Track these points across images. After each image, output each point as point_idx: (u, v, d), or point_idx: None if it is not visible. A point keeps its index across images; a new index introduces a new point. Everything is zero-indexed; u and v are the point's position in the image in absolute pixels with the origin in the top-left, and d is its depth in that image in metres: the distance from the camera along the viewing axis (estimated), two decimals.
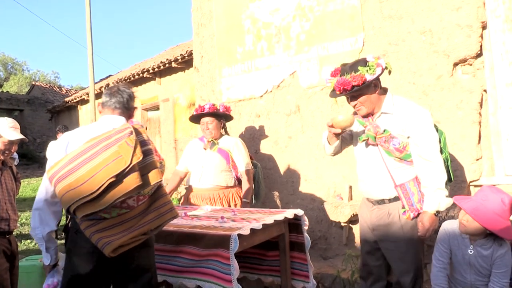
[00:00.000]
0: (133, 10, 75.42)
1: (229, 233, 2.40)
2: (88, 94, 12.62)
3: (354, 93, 2.41)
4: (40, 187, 2.10)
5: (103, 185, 1.81)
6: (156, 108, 11.16)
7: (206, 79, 4.98)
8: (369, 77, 2.36)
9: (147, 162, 1.96)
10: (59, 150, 2.05)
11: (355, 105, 2.48)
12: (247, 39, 4.55)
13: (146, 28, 73.38)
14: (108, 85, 12.60)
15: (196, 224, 2.75)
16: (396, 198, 2.45)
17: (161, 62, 10.15)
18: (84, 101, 14.31)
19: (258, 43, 4.47)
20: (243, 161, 3.68)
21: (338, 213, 3.78)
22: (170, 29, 70.35)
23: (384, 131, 2.43)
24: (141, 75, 10.96)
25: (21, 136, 2.90)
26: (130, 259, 2.08)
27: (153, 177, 1.95)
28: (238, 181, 3.73)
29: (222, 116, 3.78)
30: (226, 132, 3.92)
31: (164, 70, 10.38)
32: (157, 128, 11.28)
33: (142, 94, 11.59)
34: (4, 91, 21.54)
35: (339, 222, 3.83)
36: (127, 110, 2.23)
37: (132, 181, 1.86)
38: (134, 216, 1.98)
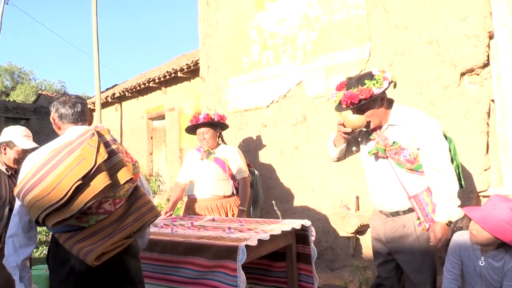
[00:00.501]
0: (139, 20, 76.15)
1: (236, 244, 2.39)
2: (94, 104, 12.68)
3: (361, 106, 2.39)
4: (13, 212, 1.98)
5: (70, 189, 1.73)
6: (161, 117, 11.19)
7: (212, 89, 5.00)
8: (376, 90, 2.34)
9: (114, 161, 1.90)
10: (25, 172, 1.93)
11: None
12: (254, 49, 4.57)
13: (152, 38, 74.07)
14: (113, 94, 12.68)
15: (203, 235, 2.74)
16: (411, 210, 2.43)
17: (167, 72, 10.20)
18: (90, 110, 14.36)
19: (264, 53, 4.49)
20: (240, 169, 3.68)
21: (345, 224, 3.75)
22: (176, 39, 70.95)
23: (394, 143, 2.41)
24: (146, 84, 11.01)
25: (35, 145, 2.90)
26: (115, 271, 1.99)
27: (122, 175, 1.87)
28: (236, 190, 3.71)
29: (217, 125, 3.79)
30: (222, 141, 3.93)
31: (170, 80, 10.43)
32: (163, 138, 11.31)
33: (148, 103, 11.65)
34: (11, 100, 21.72)
35: (346, 233, 3.81)
36: (88, 117, 2.16)
37: (100, 181, 1.79)
38: (114, 221, 1.91)
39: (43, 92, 22.59)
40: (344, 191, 4.02)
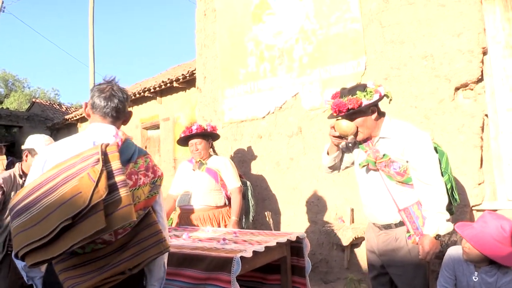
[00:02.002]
0: (135, 30, 76.47)
1: (231, 255, 2.37)
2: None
3: (349, 115, 2.42)
4: None
5: (55, 228, 1.49)
6: (156, 127, 11.18)
7: (208, 99, 5.01)
8: (365, 101, 2.38)
9: (114, 198, 1.59)
10: (35, 173, 1.73)
11: None
12: (250, 61, 4.60)
13: (147, 48, 74.31)
14: (129, 103, 12.65)
15: (197, 246, 2.72)
16: (402, 223, 2.43)
17: (162, 82, 10.21)
18: (84, 119, 14.31)
19: (261, 65, 4.52)
20: (232, 179, 3.69)
21: (340, 236, 3.75)
22: (172, 49, 71.20)
23: (384, 155, 2.43)
24: (142, 94, 11.00)
25: None
26: None
27: (120, 217, 1.57)
28: (229, 201, 3.71)
29: (210, 136, 3.80)
30: (214, 152, 3.94)
31: (165, 90, 10.44)
32: (157, 147, 11.28)
33: (143, 113, 11.63)
34: (4, 107, 21.60)
35: (341, 245, 3.80)
36: (123, 116, 1.93)
37: (92, 224, 1.51)
38: (111, 252, 1.67)
39: (37, 100, 22.48)
40: (339, 203, 4.03)
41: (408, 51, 3.60)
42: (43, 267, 1.76)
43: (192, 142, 3.74)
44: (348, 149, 2.69)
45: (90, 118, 1.91)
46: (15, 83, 30.49)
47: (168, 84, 10.01)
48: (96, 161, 1.61)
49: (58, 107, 22.02)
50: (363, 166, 2.51)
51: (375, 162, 2.44)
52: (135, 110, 11.99)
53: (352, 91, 2.43)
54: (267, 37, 4.47)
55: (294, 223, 4.31)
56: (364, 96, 2.38)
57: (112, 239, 1.66)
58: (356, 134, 2.47)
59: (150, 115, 11.34)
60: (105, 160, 1.64)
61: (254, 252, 2.52)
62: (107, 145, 1.72)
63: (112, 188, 1.60)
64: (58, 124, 16.19)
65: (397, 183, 2.42)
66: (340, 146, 2.58)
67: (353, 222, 3.85)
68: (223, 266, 2.36)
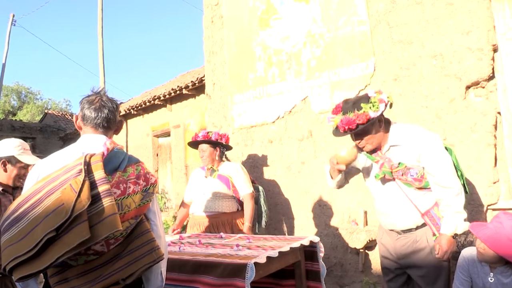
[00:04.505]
0: (144, 38, 77.27)
1: (245, 262, 2.37)
2: None
3: (358, 131, 2.40)
4: None
5: (40, 241, 1.49)
6: (167, 134, 11.24)
7: (218, 106, 5.03)
8: (373, 114, 2.35)
9: (98, 208, 1.57)
10: (28, 187, 1.71)
11: (359, 142, 2.47)
12: (258, 66, 4.61)
13: (156, 56, 74.96)
14: (119, 112, 12.76)
15: (211, 253, 2.72)
16: (423, 225, 2.44)
17: (172, 89, 10.27)
18: None
19: (269, 70, 4.52)
20: (243, 185, 3.71)
21: (353, 239, 3.72)
22: (180, 56, 71.75)
23: (399, 164, 2.41)
24: (152, 102, 11.09)
25: (37, 159, 2.62)
26: None
27: (106, 227, 1.55)
28: (241, 206, 3.73)
29: (217, 144, 3.81)
30: (226, 158, 3.96)
31: (175, 97, 10.50)
32: (168, 155, 11.34)
33: (153, 120, 11.71)
34: (18, 119, 21.95)
35: (355, 248, 3.77)
36: (114, 125, 1.93)
37: (75, 236, 1.50)
38: (104, 263, 1.66)
39: (49, 111, 22.82)
40: (352, 206, 4.00)
41: (417, 51, 3.57)
42: (41, 282, 1.77)
43: (200, 148, 3.83)
44: (352, 167, 2.69)
45: (81, 131, 1.92)
46: (27, 95, 31.00)
47: (178, 91, 10.07)
48: (78, 172, 1.61)
49: (70, 117, 22.31)
50: (380, 178, 2.48)
51: (392, 172, 2.42)
52: (146, 118, 12.08)
53: (356, 104, 2.39)
54: (274, 42, 4.48)
55: (307, 227, 4.29)
56: (370, 108, 2.35)
57: (105, 250, 1.65)
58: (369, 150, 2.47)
59: (161, 122, 11.40)
60: (88, 171, 1.64)
61: (268, 257, 2.52)
62: (92, 155, 1.72)
63: (96, 198, 1.59)
64: (71, 134, 16.38)
65: (415, 188, 2.41)
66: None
67: (366, 224, 3.82)
68: (237, 273, 2.36)
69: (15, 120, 20.34)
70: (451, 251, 2.30)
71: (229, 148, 3.99)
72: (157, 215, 1.89)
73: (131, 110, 12.14)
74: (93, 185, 1.61)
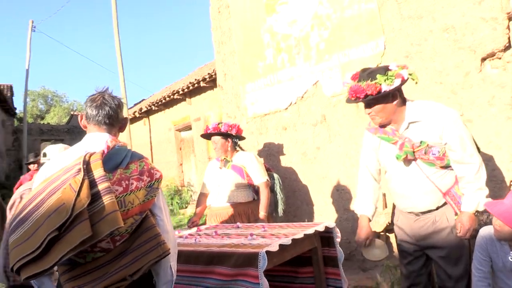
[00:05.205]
0: (162, 32, 77.91)
1: (257, 251, 2.36)
2: None
3: (367, 101, 2.33)
4: None
5: (44, 241, 1.51)
6: (188, 128, 11.33)
7: (230, 96, 5.01)
8: (385, 87, 2.26)
9: (99, 206, 1.59)
10: (35, 187, 1.75)
11: (370, 113, 2.40)
12: (268, 53, 4.56)
13: (176, 50, 75.48)
14: (141, 109, 12.94)
15: (225, 243, 2.73)
16: (444, 204, 2.37)
17: (190, 83, 10.32)
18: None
19: (278, 56, 4.47)
20: (258, 174, 3.69)
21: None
22: (199, 49, 72.00)
23: (421, 142, 2.31)
24: (171, 96, 11.18)
25: None
26: None
27: (107, 224, 1.57)
28: (257, 196, 3.73)
29: (228, 135, 3.80)
30: (240, 148, 3.94)
31: (194, 90, 10.55)
32: (191, 148, 11.44)
33: (174, 115, 11.82)
34: (45, 123, 22.59)
35: (375, 232, 3.71)
36: (117, 123, 1.93)
37: (77, 234, 1.52)
38: (112, 259, 1.67)
39: (75, 113, 23.39)
40: None
41: (428, 25, 3.44)
42: (56, 280, 1.79)
43: (212, 140, 3.84)
44: (375, 160, 2.63)
45: (86, 129, 1.93)
46: (53, 98, 31.86)
47: (196, 85, 10.11)
48: (77, 171, 1.63)
49: None
50: (402, 158, 2.37)
51: (414, 152, 2.33)
52: (167, 113, 12.20)
53: (371, 74, 2.31)
54: (282, 27, 4.41)
55: (326, 213, 4.25)
56: (385, 81, 2.27)
57: (111, 247, 1.67)
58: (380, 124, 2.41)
59: (181, 116, 11.50)
60: (88, 169, 1.65)
61: (281, 245, 2.50)
62: (91, 154, 1.74)
63: (96, 196, 1.60)
64: None
65: (436, 168, 2.32)
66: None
67: (386, 207, 3.75)
68: (250, 262, 2.35)
69: (43, 123, 20.95)
70: (473, 228, 2.23)
71: (241, 138, 3.98)
72: (163, 210, 1.88)
73: (152, 106, 12.28)
74: (92, 184, 1.62)
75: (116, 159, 1.77)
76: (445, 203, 2.35)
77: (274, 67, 4.51)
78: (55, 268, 1.76)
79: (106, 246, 1.66)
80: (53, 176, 1.68)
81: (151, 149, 13.28)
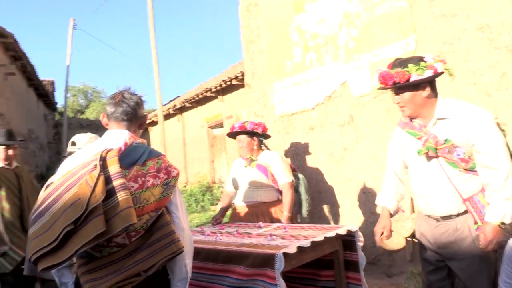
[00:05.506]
0: (198, 30, 78.88)
1: (274, 252, 2.34)
2: (157, 116, 13.25)
3: (395, 89, 2.26)
4: None
5: (60, 234, 1.55)
6: (220, 125, 11.43)
7: (258, 95, 5.00)
8: (414, 76, 2.17)
9: (114, 202, 1.62)
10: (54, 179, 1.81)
11: (398, 103, 2.32)
12: (296, 52, 4.51)
13: (210, 47, 76.22)
14: (174, 106, 13.15)
15: (245, 242, 2.72)
16: (465, 212, 2.23)
17: (222, 80, 10.40)
18: (154, 123, 15.04)
19: (306, 55, 4.41)
20: (282, 174, 3.64)
21: (399, 227, 3.55)
22: (235, 47, 72.43)
23: (446, 140, 2.20)
24: (204, 94, 11.31)
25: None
26: None
27: (121, 220, 1.59)
28: (281, 196, 3.69)
29: (254, 134, 3.78)
30: (266, 147, 3.91)
31: (226, 88, 10.62)
32: (223, 145, 11.53)
33: (207, 112, 11.94)
34: (85, 118, 23.37)
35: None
36: (136, 120, 1.96)
37: (91, 229, 1.56)
38: (127, 255, 1.70)
39: None
40: None
41: (462, 24, 3.30)
42: (74, 274, 1.84)
43: (237, 138, 3.82)
44: (399, 157, 2.55)
45: (108, 127, 1.97)
46: (93, 94, 32.93)
47: (228, 83, 10.18)
48: (94, 167, 1.66)
49: None
50: (423, 154, 2.28)
51: (436, 149, 2.23)
52: (200, 110, 12.35)
53: (404, 63, 2.23)
54: (310, 26, 4.35)
55: (352, 215, 4.17)
56: (416, 70, 2.18)
57: (126, 242, 1.69)
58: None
59: (214, 114, 11.61)
60: (104, 166, 1.69)
61: (300, 247, 2.47)
62: (108, 151, 1.77)
63: (111, 192, 1.63)
64: None
65: (460, 170, 2.21)
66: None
67: (413, 212, 3.63)
68: (267, 263, 2.34)
69: (82, 118, 21.66)
70: (497, 240, 2.09)
71: (267, 136, 3.96)
72: (180, 208, 1.89)
73: (186, 103, 12.47)
74: (108, 180, 1.65)
75: (133, 156, 1.80)
76: (466, 211, 2.22)
77: (302, 66, 4.46)
78: (74, 260, 1.84)
79: (122, 242, 1.68)
80: (72, 171, 1.73)
81: (184, 146, 13.48)
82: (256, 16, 4.94)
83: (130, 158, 1.79)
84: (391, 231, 2.55)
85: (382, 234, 2.53)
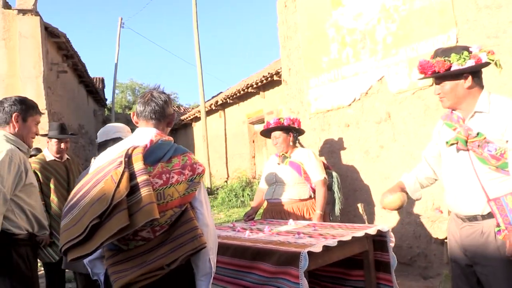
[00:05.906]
0: (242, 26, 79.33)
1: (299, 250, 2.33)
2: (200, 112, 13.48)
3: (436, 79, 2.18)
4: None
5: (87, 227, 1.62)
6: (261, 121, 11.46)
7: (294, 91, 4.97)
8: (455, 66, 2.07)
9: (137, 197, 1.68)
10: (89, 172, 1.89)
11: (438, 94, 2.23)
12: (332, 48, 4.43)
13: (253, 42, 76.44)
14: (217, 102, 13.32)
15: (272, 240, 2.72)
16: (491, 215, 2.10)
17: (263, 76, 10.41)
18: (197, 119, 15.33)
19: (343, 51, 4.32)
20: (315, 172, 3.60)
21: (435, 228, 3.43)
22: (275, 43, 72.29)
23: (478, 134, 2.09)
24: (246, 90, 11.37)
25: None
26: None
27: (143, 215, 1.65)
28: (314, 193, 3.65)
29: (290, 130, 3.74)
30: (300, 144, 3.87)
31: (267, 84, 10.63)
32: (264, 141, 11.56)
33: (248, 108, 12.01)
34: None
35: (437, 238, 3.47)
36: (164, 118, 2.01)
37: (116, 223, 1.62)
38: (150, 249, 1.77)
39: None
40: (435, 192, 3.67)
41: (507, 16, 3.12)
42: (105, 265, 1.91)
43: (273, 135, 3.79)
44: (434, 152, 2.45)
45: (138, 125, 2.04)
46: (140, 90, 33.96)
47: (269, 78, 10.18)
48: (119, 164, 1.73)
49: (177, 108, 23.85)
50: (451, 144, 2.17)
51: (466, 141, 2.12)
52: (241, 106, 12.44)
53: (446, 52, 2.14)
54: (347, 21, 4.25)
55: (387, 215, 4.06)
56: (457, 60, 2.08)
57: (151, 236, 1.76)
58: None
59: (255, 110, 11.65)
60: (129, 162, 1.75)
61: (327, 246, 2.44)
62: (134, 148, 1.83)
63: (135, 188, 1.69)
64: (176, 125, 17.57)
65: (490, 167, 2.09)
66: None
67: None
68: (291, 261, 2.32)
69: (129, 114, 22.40)
70: None
71: (301, 132, 3.92)
72: (204, 204, 1.93)
73: (227, 99, 12.60)
74: (132, 176, 1.72)
75: (158, 153, 1.85)
76: (492, 214, 2.10)
77: (338, 62, 4.38)
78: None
79: (147, 236, 1.75)
80: (100, 167, 1.81)
81: (226, 141, 13.64)
82: (293, 12, 4.90)
83: (155, 155, 1.85)
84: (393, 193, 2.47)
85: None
